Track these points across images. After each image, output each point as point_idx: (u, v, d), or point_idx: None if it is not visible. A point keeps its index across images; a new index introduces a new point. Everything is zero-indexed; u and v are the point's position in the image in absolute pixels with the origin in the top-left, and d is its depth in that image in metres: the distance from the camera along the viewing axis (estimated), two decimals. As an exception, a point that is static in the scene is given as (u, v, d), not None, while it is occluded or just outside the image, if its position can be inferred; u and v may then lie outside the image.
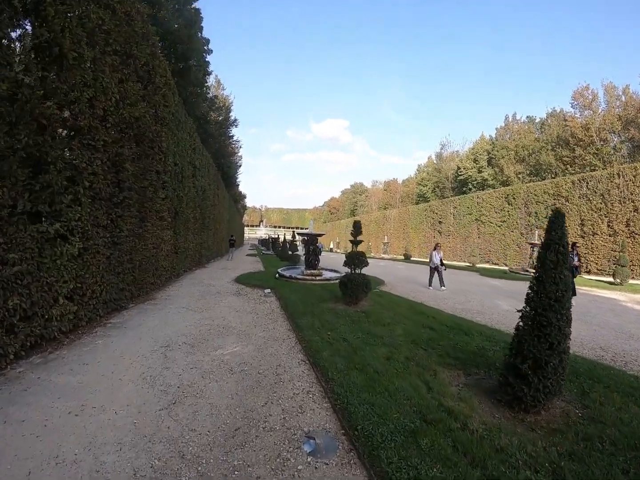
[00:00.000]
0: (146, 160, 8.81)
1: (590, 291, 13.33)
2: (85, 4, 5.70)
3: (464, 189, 44.23)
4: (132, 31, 7.70)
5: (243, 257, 28.69)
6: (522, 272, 19.80)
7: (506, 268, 25.76)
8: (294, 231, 18.78)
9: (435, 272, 12.64)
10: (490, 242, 30.99)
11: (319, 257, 12.97)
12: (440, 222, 37.34)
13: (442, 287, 12.19)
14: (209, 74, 19.69)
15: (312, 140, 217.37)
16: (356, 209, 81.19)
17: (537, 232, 21.50)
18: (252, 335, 5.70)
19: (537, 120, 42.24)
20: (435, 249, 12.91)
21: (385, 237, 41.70)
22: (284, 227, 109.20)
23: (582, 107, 32.97)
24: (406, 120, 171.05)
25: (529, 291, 3.56)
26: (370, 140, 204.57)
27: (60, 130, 5.47)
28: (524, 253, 27.93)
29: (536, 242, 20.51)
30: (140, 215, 8.51)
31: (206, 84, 19.87)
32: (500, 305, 9.87)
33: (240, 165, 41.59)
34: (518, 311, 3.65)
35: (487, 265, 29.72)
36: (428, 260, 13.08)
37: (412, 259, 34.04)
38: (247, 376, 4.07)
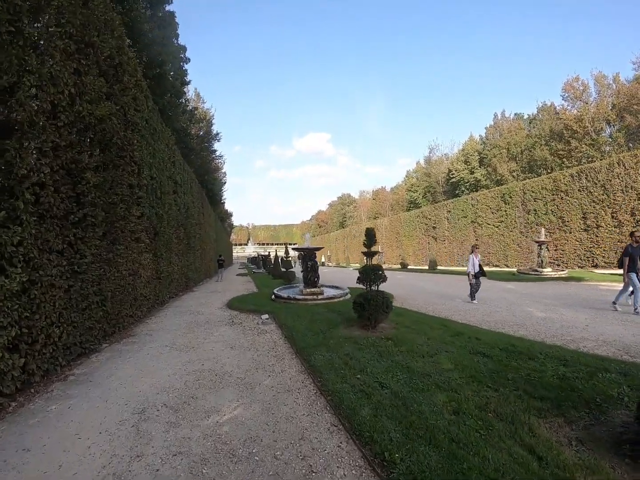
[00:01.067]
0: (115, 172, 7.44)
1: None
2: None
3: (457, 191, 43.65)
4: (92, 15, 6.43)
5: (233, 277, 27.07)
6: (532, 273, 18.78)
7: (511, 269, 24.81)
8: (286, 246, 17.42)
9: (474, 280, 10.66)
10: (488, 244, 30.16)
11: (318, 273, 11.63)
12: (434, 228, 36.49)
13: (473, 300, 10.64)
14: (187, 83, 18.52)
15: (296, 156, 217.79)
16: (345, 221, 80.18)
17: (543, 229, 20.55)
18: (256, 386, 4.27)
19: (525, 117, 42.30)
20: (472, 251, 10.80)
21: (379, 246, 40.55)
22: (272, 244, 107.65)
23: (573, 98, 32.85)
24: (388, 129, 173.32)
25: None
26: (353, 152, 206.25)
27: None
28: (525, 252, 27.17)
29: (543, 239, 19.62)
30: (110, 236, 7.08)
31: (185, 95, 18.70)
32: (533, 313, 8.66)
33: (224, 182, 40.28)
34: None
35: (487, 268, 28.75)
36: (467, 266, 10.85)
37: (409, 267, 32.87)
38: (258, 466, 2.66)
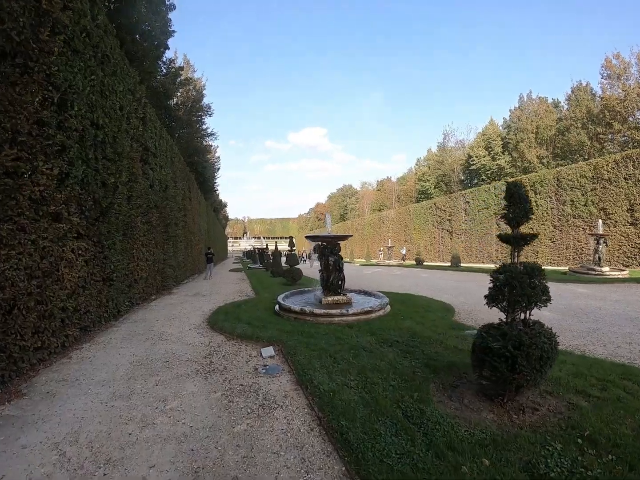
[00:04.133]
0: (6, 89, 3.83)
1: None
2: None
3: (476, 180, 39.86)
4: None
5: (226, 273, 23.45)
6: (590, 272, 15.34)
7: (552, 267, 21.49)
8: (291, 238, 13.79)
9: None
10: (514, 239, 26.69)
11: (343, 273, 8.09)
12: (449, 220, 33.01)
13: None
14: (171, 34, 14.73)
15: (292, 150, 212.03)
16: (346, 213, 76.14)
17: (600, 221, 17.16)
18: None
19: (549, 101, 38.49)
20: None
21: (389, 240, 37.09)
22: (267, 238, 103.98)
23: (613, 77, 29.25)
24: (384, 124, 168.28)
25: None
26: (349, 147, 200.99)
27: None
28: (559, 248, 23.86)
29: (601, 232, 16.24)
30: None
31: (167, 48, 14.96)
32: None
33: (218, 168, 36.37)
34: None
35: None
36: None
37: (424, 263, 29.35)
38: None
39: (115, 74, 7.99)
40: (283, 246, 45.33)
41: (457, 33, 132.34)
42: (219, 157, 36.56)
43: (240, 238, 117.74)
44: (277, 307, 7.82)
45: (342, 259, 8.09)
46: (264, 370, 4.32)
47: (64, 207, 5.36)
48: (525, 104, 38.50)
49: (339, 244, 8.06)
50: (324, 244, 8.10)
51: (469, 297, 10.02)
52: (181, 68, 16.69)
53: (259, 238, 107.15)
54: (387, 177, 68.51)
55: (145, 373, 4.38)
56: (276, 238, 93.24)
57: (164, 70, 15.73)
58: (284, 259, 19.09)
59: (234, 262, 42.01)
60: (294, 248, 13.41)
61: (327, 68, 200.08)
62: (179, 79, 16.70)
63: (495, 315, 3.31)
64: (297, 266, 13.22)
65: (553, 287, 9.80)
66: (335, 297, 7.74)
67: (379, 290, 9.52)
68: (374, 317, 7.03)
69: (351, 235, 8.42)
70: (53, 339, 5.05)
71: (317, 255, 8.13)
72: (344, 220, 67.08)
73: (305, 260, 38.13)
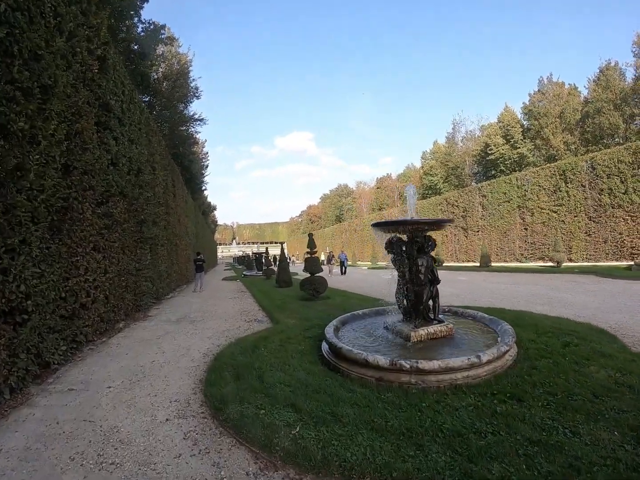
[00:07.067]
0: None
1: None
2: None
3: (493, 172, 36.67)
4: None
5: (218, 283, 19.85)
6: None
7: (597, 263, 18.67)
8: (310, 237, 10.34)
9: None
10: (542, 233, 23.97)
11: (436, 286, 4.74)
12: (463, 216, 30.00)
13: None
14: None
15: (279, 155, 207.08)
16: (342, 214, 72.32)
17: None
18: None
19: (566, 86, 35.68)
20: None
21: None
22: (256, 243, 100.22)
23: None
24: (372, 128, 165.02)
25: None
26: (337, 151, 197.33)
27: None
28: (597, 242, 21.06)
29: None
30: None
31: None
32: None
33: (206, 166, 32.66)
34: None
35: (541, 263, 22.68)
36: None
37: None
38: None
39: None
40: (273, 251, 41.81)
41: (447, 28, 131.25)
42: (207, 153, 32.85)
43: (229, 244, 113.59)
44: (325, 347, 4.44)
45: (435, 260, 4.76)
46: None
47: None
48: (546, 87, 35.66)
49: (432, 237, 4.70)
50: (398, 236, 4.77)
51: (582, 309, 6.81)
52: (163, 26, 13.17)
53: (247, 243, 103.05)
54: (387, 174, 65.23)
55: None
56: (266, 243, 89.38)
57: (141, 31, 12.26)
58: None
59: (225, 269, 38.29)
60: (315, 250, 9.95)
61: (316, 70, 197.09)
62: (162, 36, 13.13)
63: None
64: (318, 274, 9.78)
65: (616, 287, 6.20)
66: (432, 328, 4.42)
67: (451, 306, 6.25)
68: (510, 363, 3.78)
69: (451, 220, 5.03)
70: None
71: (391, 257, 4.76)
72: (340, 222, 63.67)
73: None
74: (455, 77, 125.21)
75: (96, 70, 6.43)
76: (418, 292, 4.57)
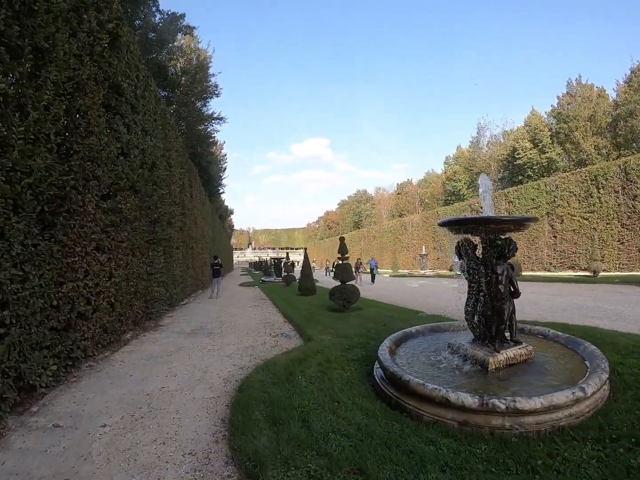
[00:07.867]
0: None
1: None
2: None
3: (520, 177, 34.94)
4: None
5: (235, 288, 19.05)
6: None
7: (631, 273, 17.08)
8: (342, 241, 9.31)
9: None
10: (573, 241, 22.53)
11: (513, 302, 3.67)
12: (490, 224, 28.52)
13: None
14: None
15: (294, 161, 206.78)
16: (361, 220, 70.94)
17: None
18: None
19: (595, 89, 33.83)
20: None
21: (423, 247, 32.61)
22: (274, 249, 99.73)
23: None
24: (387, 134, 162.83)
25: None
26: (351, 157, 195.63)
27: None
28: (631, 250, 19.51)
29: None
30: None
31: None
32: None
33: (224, 168, 32.11)
34: None
35: (571, 273, 21.22)
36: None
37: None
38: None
39: None
40: (294, 257, 41.07)
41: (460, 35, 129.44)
42: (225, 155, 32.29)
43: (245, 249, 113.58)
44: (379, 373, 3.45)
45: (513, 268, 3.72)
46: None
47: None
48: (575, 89, 33.80)
49: (513, 240, 3.65)
50: (468, 240, 3.74)
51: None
52: (182, 15, 12.51)
53: (273, 249, 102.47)
54: (409, 179, 63.51)
55: None
56: (282, 248, 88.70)
57: (158, 20, 11.63)
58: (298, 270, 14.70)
59: (241, 274, 37.59)
60: (347, 255, 8.93)
61: (330, 77, 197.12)
62: (181, 24, 12.43)
63: None
64: (350, 282, 8.75)
65: None
66: (512, 352, 3.41)
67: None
68: (607, 394, 2.76)
69: (536, 219, 3.93)
70: None
71: (460, 264, 3.74)
72: (359, 228, 62.39)
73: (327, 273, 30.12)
74: (471, 81, 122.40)
75: (106, 45, 5.65)
76: (498, 308, 3.52)
